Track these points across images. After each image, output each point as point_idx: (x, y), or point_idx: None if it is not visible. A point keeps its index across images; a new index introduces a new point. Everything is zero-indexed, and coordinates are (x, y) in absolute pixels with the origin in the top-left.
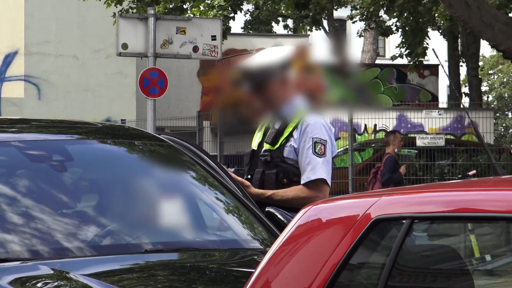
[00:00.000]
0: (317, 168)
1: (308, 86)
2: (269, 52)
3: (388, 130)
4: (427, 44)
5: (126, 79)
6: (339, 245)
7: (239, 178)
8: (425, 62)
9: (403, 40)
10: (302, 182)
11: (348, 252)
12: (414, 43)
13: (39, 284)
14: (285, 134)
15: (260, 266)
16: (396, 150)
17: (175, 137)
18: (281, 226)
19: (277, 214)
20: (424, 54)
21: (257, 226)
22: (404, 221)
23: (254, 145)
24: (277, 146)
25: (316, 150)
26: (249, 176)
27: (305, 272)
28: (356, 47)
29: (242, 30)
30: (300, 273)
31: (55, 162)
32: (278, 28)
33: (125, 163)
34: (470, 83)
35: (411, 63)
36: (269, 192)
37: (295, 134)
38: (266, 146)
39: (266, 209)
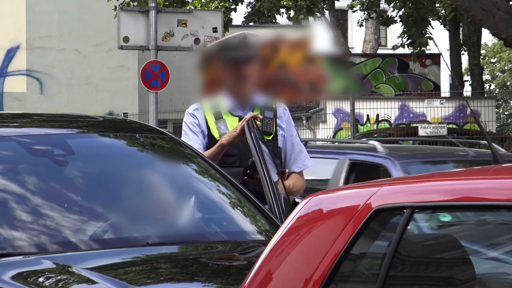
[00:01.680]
0: (308, 156)
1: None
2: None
3: (389, 120)
4: (431, 33)
5: (128, 72)
6: (340, 236)
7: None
8: (427, 52)
9: (405, 29)
10: (298, 169)
11: (349, 242)
12: (417, 33)
13: (41, 279)
14: (275, 124)
15: (262, 257)
16: None
17: None
18: None
19: None
20: (427, 44)
21: (259, 218)
22: (405, 210)
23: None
24: (272, 135)
25: (300, 138)
26: (241, 168)
27: (306, 263)
28: (358, 37)
29: (243, 22)
30: (302, 264)
31: (56, 156)
32: (281, 19)
33: (126, 156)
34: (472, 72)
35: (414, 52)
36: (291, 184)
37: (281, 123)
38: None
39: (295, 199)
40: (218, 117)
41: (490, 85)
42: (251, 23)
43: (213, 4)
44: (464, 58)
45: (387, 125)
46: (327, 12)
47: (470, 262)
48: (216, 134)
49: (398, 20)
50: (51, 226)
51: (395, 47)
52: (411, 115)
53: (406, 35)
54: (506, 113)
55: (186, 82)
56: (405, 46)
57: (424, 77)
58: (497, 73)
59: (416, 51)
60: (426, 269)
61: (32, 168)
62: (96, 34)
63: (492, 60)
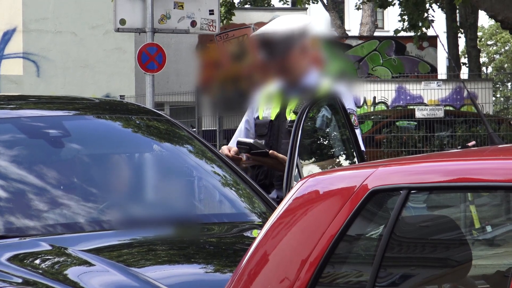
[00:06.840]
0: None
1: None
2: (288, 19)
3: (386, 103)
4: (432, 16)
5: (124, 55)
6: (336, 217)
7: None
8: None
9: (403, 12)
10: None
11: (346, 223)
12: (417, 16)
13: (37, 261)
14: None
15: (258, 239)
16: None
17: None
18: None
19: None
20: (429, 27)
21: (256, 200)
22: (401, 191)
23: (271, 115)
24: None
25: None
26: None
27: (302, 244)
28: (354, 20)
29: (238, 4)
30: (298, 246)
31: (52, 138)
32: (275, 2)
33: (122, 138)
34: (469, 54)
35: (416, 35)
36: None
37: None
38: (292, 117)
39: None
40: (269, 101)
41: (487, 68)
42: (247, 5)
43: None
44: (461, 41)
45: (384, 107)
46: None
47: (467, 243)
48: (261, 117)
49: (395, 3)
50: (47, 208)
51: (396, 32)
52: (408, 97)
53: (406, 18)
54: (504, 96)
55: (183, 64)
56: (407, 30)
57: (421, 59)
58: (493, 56)
59: (417, 33)
60: (422, 250)
61: (28, 149)
62: (93, 17)
63: (489, 42)
